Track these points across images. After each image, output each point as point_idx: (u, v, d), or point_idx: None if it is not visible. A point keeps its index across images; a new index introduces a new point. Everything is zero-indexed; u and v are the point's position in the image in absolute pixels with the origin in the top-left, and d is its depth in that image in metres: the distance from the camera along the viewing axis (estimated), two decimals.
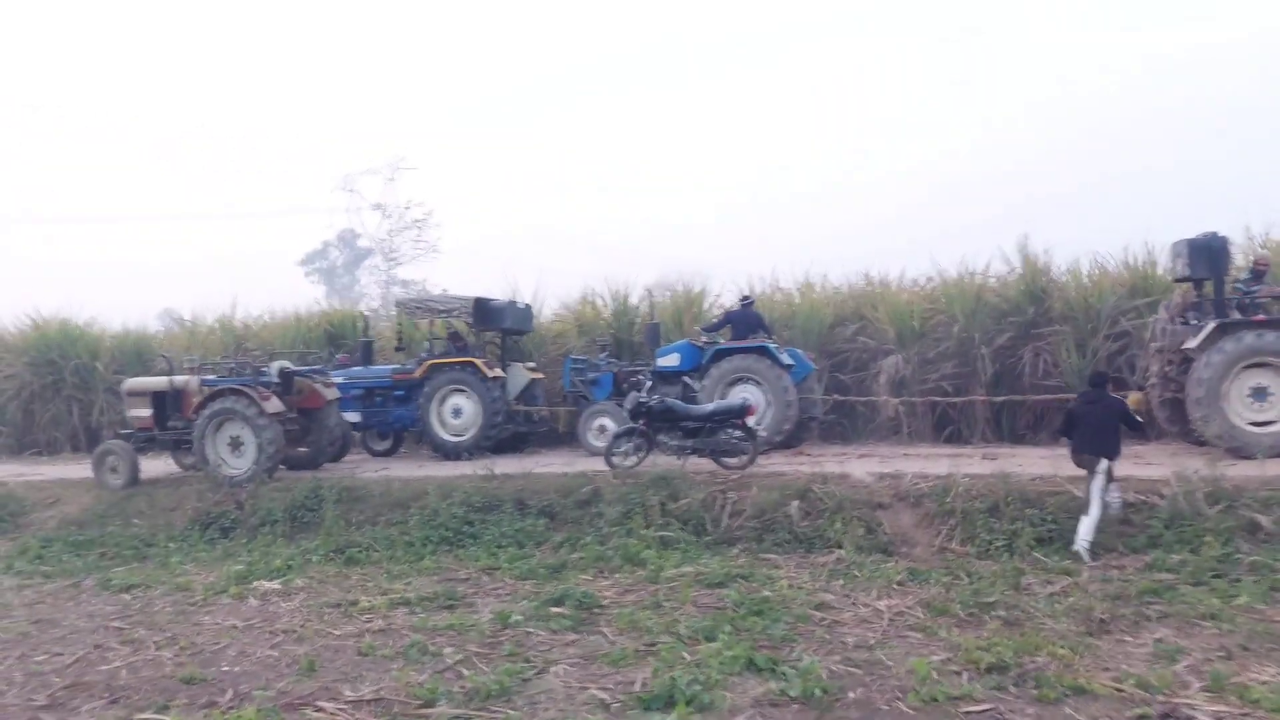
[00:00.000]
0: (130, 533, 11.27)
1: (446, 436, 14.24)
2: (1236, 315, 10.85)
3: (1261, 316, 10.70)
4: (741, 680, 5.60)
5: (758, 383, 13.07)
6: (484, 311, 14.81)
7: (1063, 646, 5.92)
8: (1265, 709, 4.86)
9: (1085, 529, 8.47)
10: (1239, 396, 10.56)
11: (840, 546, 9.09)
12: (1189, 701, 5.04)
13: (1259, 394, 10.56)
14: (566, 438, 15.63)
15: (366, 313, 21.03)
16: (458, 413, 14.23)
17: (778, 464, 11.64)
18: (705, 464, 11.19)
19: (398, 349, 15.59)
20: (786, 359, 13.35)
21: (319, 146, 71.55)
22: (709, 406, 11.60)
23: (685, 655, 6.04)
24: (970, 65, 68.24)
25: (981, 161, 64.73)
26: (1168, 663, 5.67)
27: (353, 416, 14.77)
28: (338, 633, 7.04)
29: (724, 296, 17.42)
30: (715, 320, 14.56)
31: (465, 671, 5.97)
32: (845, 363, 16.27)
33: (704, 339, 13.90)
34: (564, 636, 6.69)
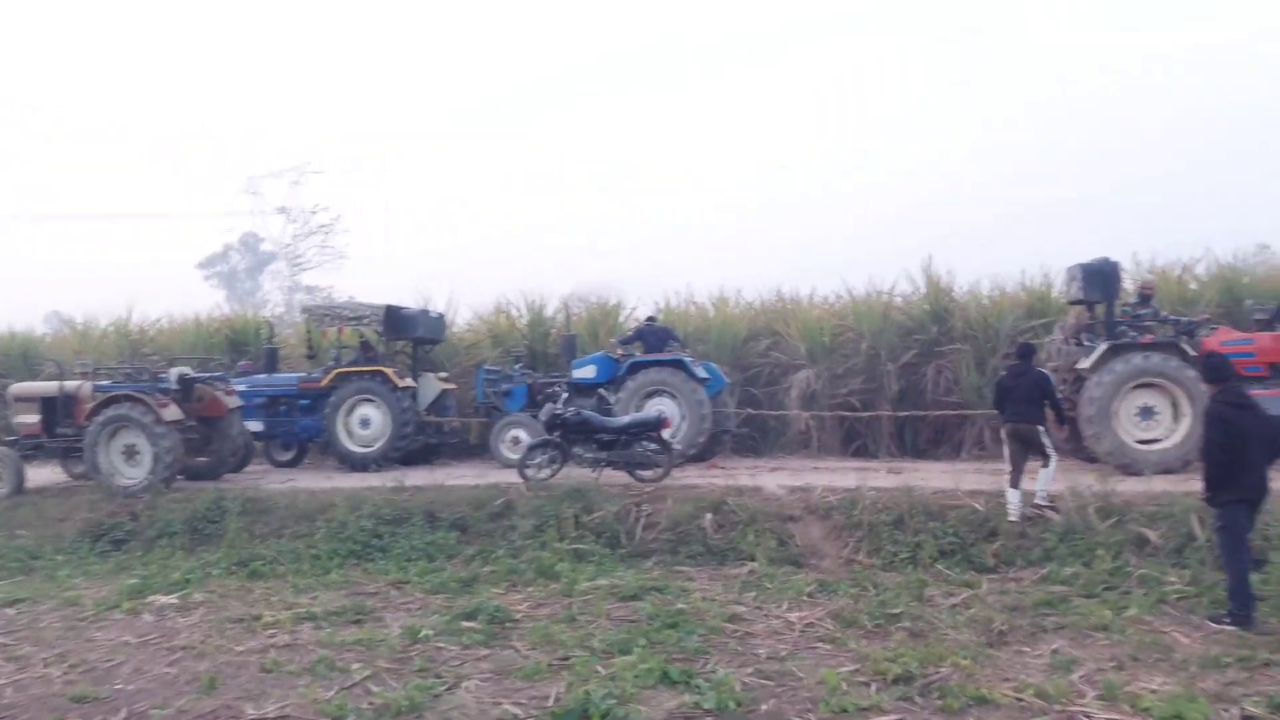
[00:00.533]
0: (15, 544, 10.70)
1: (354, 447, 13.94)
2: (1130, 336, 11.38)
3: (1149, 339, 11.26)
4: (656, 693, 5.61)
5: (673, 396, 13.15)
6: (395, 320, 14.57)
7: (965, 657, 6.10)
8: (1155, 716, 5.09)
9: (1044, 481, 9.20)
10: (1128, 415, 11.09)
11: (753, 559, 9.20)
12: (1085, 710, 5.24)
13: (1146, 413, 11.10)
14: (479, 449, 15.47)
15: (270, 319, 20.47)
16: (366, 423, 13.95)
17: (692, 477, 11.73)
18: (620, 477, 11.21)
19: (308, 356, 15.21)
20: (702, 373, 13.48)
21: (225, 149, 69.60)
22: (624, 419, 11.63)
23: (599, 669, 6.02)
24: (907, 104, 70.11)
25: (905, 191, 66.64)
26: (1064, 673, 5.89)
27: (255, 426, 14.35)
28: (240, 649, 6.81)
29: (640, 309, 17.54)
30: (629, 334, 14.60)
31: (374, 688, 5.83)
32: (758, 377, 16.51)
33: (620, 351, 13.94)
34: (476, 651, 6.60)
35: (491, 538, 9.98)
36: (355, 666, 6.27)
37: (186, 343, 18.19)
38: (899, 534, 9.34)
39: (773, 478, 11.77)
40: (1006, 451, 9.57)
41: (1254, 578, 7.69)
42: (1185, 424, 10.85)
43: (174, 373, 12.75)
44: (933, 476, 11.40)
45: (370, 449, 13.85)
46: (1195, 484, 8.89)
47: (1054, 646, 6.47)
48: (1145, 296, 12.26)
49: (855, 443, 15.59)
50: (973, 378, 14.85)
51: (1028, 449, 9.26)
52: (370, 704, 5.52)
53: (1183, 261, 15.41)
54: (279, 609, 7.86)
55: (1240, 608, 6.78)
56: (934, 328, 15.69)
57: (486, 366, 15.36)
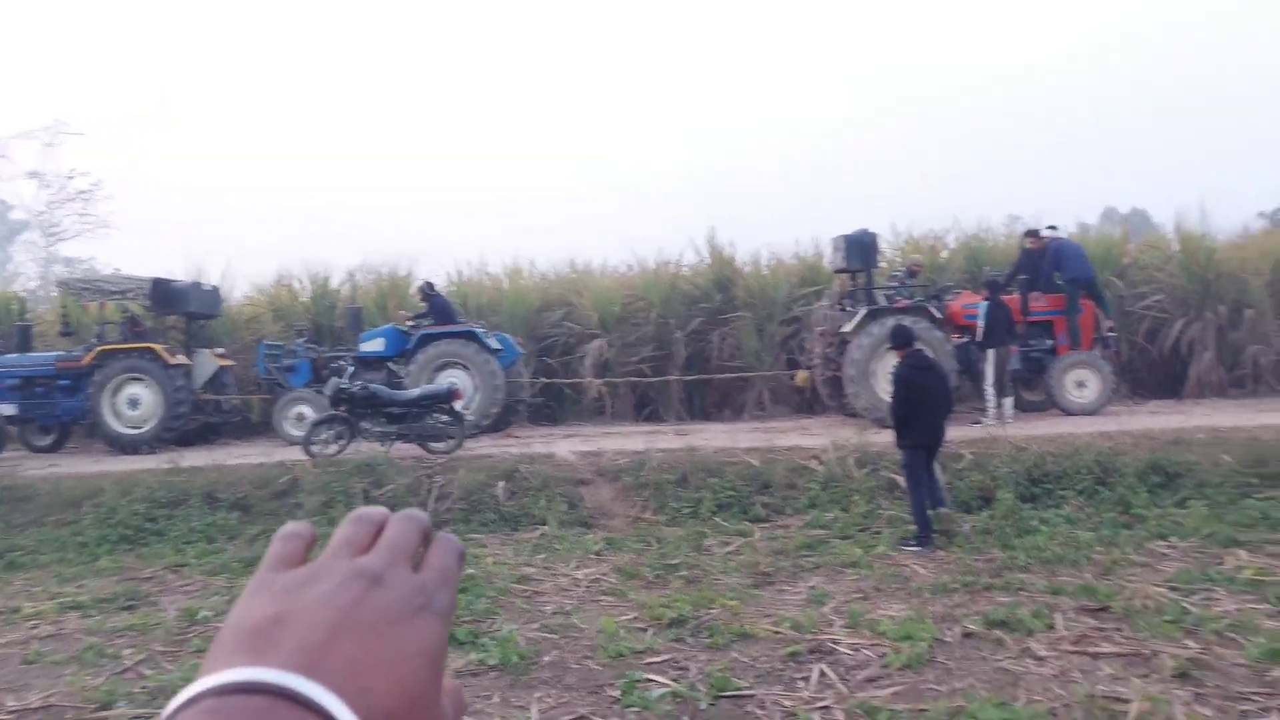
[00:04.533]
0: None
1: (123, 429, 13.12)
2: (888, 301, 12.46)
3: (903, 303, 12.36)
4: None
5: (465, 367, 13.17)
6: (164, 294, 13.76)
7: (732, 598, 6.64)
8: (890, 638, 5.74)
9: (990, 396, 11.19)
10: (885, 374, 12.11)
11: (544, 523, 9.48)
12: (832, 637, 5.84)
13: None
14: (262, 427, 14.90)
15: (23, 294, 18.76)
16: (135, 403, 13.14)
17: (486, 447, 11.86)
18: (412, 449, 11.18)
19: (64, 334, 14.09)
20: (494, 344, 13.56)
21: None
22: (415, 392, 11.56)
23: None
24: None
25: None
26: (817, 606, 6.52)
27: (8, 409, 13.22)
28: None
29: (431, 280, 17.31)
30: (422, 310, 14.33)
31: (148, 671, 5.67)
32: (552, 347, 16.78)
33: (409, 323, 13.79)
34: None
35: (277, 516, 9.73)
36: (127, 652, 6.05)
37: None
38: (682, 491, 9.89)
39: (566, 444, 12.09)
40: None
41: (983, 513, 8.78)
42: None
43: None
44: (715, 437, 12.08)
45: (141, 430, 13.07)
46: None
47: (811, 584, 7.13)
48: (913, 273, 13.65)
49: (647, 408, 16.19)
50: (753, 343, 15.73)
51: None
52: (144, 688, 5.37)
53: (935, 232, 16.92)
54: (42, 599, 7.40)
55: (921, 531, 7.99)
56: (718, 296, 16.46)
57: (267, 341, 14.77)
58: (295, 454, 11.19)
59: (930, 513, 8.06)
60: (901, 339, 8.39)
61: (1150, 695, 4.60)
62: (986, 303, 11.74)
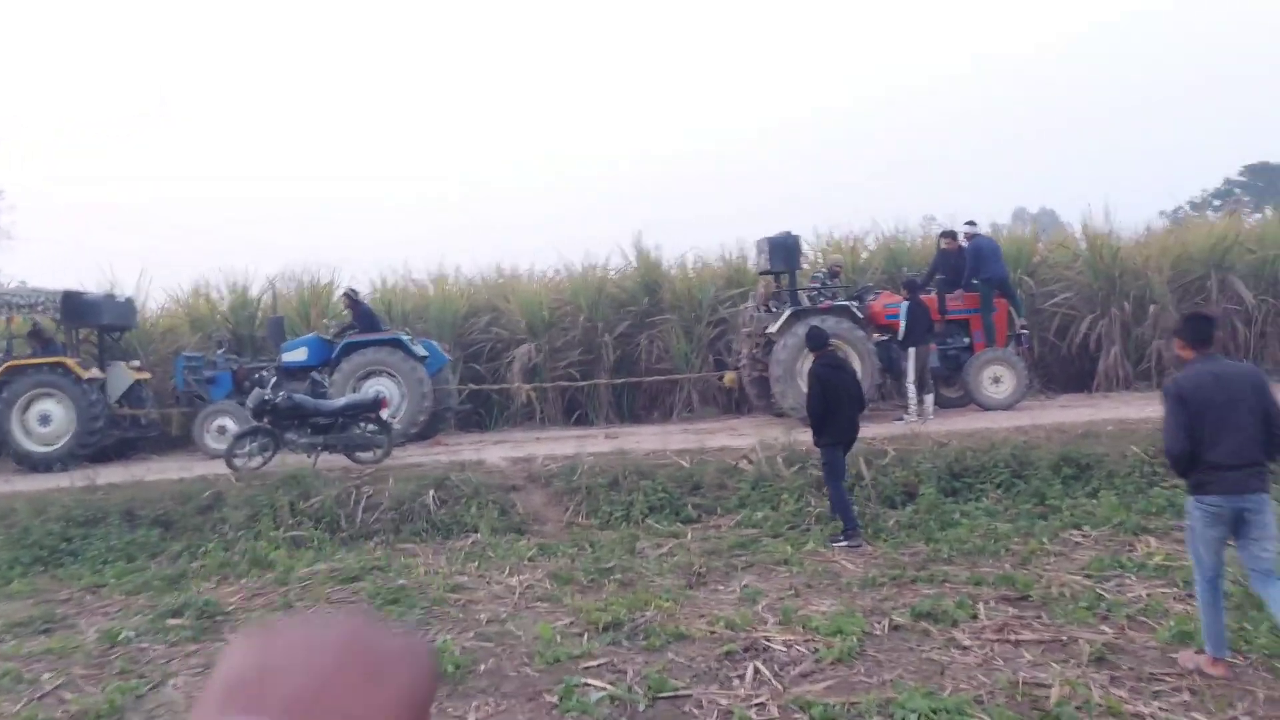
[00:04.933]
0: None
1: (34, 447, 12.63)
2: (811, 302, 12.70)
3: (826, 304, 12.61)
4: None
5: (391, 375, 13.01)
6: (75, 306, 13.28)
7: (667, 600, 6.71)
8: (821, 633, 5.88)
9: (911, 393, 11.62)
10: (805, 373, 12.36)
11: (476, 530, 9.43)
12: (766, 634, 5.96)
13: None
14: (181, 441, 14.48)
15: None
16: (46, 420, 12.67)
17: (414, 455, 11.74)
18: (339, 460, 11.01)
19: None
20: (420, 350, 13.42)
21: None
22: (340, 401, 11.37)
23: None
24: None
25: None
26: (750, 604, 6.64)
27: None
28: None
29: (355, 288, 17.04)
30: (347, 321, 14.05)
31: (68, 695, 5.50)
32: (480, 353, 16.67)
33: (333, 332, 13.56)
34: (184, 648, 6.35)
35: (200, 532, 9.50)
36: (46, 676, 5.85)
37: None
38: (614, 494, 9.92)
39: (496, 450, 12.03)
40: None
41: (908, 508, 9.03)
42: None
43: None
44: (646, 439, 12.16)
45: (54, 447, 12.61)
46: (866, 431, 10.18)
47: (744, 583, 7.24)
48: (834, 273, 13.99)
49: (576, 412, 16.20)
50: (681, 345, 15.87)
51: None
52: (65, 711, 5.21)
53: (855, 234, 17.30)
54: None
55: (848, 526, 8.24)
56: (645, 299, 16.56)
57: (186, 353, 14.37)
58: (218, 468, 10.92)
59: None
60: (817, 340, 8.73)
61: (1069, 680, 4.81)
62: (907, 303, 12.05)
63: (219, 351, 14.37)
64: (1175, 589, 6.30)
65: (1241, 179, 43.03)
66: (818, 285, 13.44)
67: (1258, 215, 20.02)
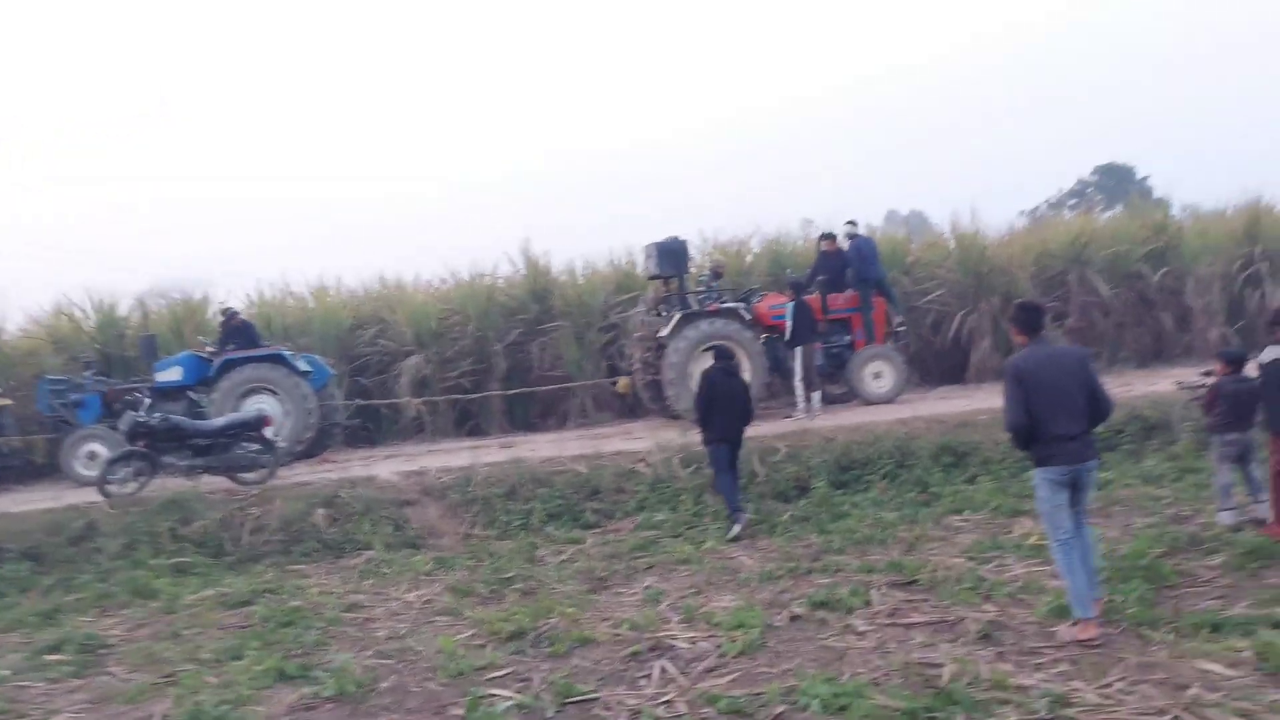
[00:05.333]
0: None
1: None
2: (700, 305, 12.89)
3: (715, 307, 12.83)
4: (274, 691, 5.55)
5: (274, 392, 12.60)
6: None
7: (570, 606, 6.72)
8: (724, 628, 5.98)
9: (799, 391, 11.93)
10: (698, 374, 12.52)
11: (370, 547, 9.23)
12: (670, 633, 6.03)
13: None
14: (48, 469, 13.69)
15: None
16: None
17: (302, 474, 11.40)
18: (222, 482, 10.60)
19: None
20: (304, 366, 13.05)
21: None
22: (221, 421, 10.95)
23: (210, 679, 5.80)
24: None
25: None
26: (653, 604, 6.71)
27: None
28: None
29: (230, 303, 16.44)
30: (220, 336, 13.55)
31: None
32: (367, 366, 16.32)
33: (209, 350, 13.06)
34: (66, 684, 6.02)
35: (74, 564, 8.99)
36: None
37: None
38: (511, 504, 9.87)
39: (387, 465, 11.80)
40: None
41: (801, 502, 9.28)
42: (747, 378, 12.48)
43: None
44: (541, 447, 12.13)
45: None
46: (758, 430, 10.42)
47: (646, 584, 7.31)
48: (718, 274, 14.29)
49: (469, 423, 16.01)
50: (573, 352, 15.87)
51: None
52: None
53: (739, 238, 17.63)
54: None
55: (731, 509, 8.74)
56: (535, 307, 16.50)
57: (49, 376, 13.59)
58: (90, 495, 10.37)
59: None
60: (721, 352, 9.72)
61: (959, 658, 5.04)
62: (792, 304, 12.36)
63: (86, 373, 13.64)
64: (1050, 567, 6.65)
65: (1093, 179, 45.69)
66: (704, 288, 13.65)
67: (1109, 213, 21.36)
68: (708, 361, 12.42)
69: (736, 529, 8.49)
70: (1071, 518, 5.36)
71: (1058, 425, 5.20)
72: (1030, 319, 5.51)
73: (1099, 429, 5.65)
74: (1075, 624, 5.27)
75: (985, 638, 5.41)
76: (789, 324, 12.32)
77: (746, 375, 12.40)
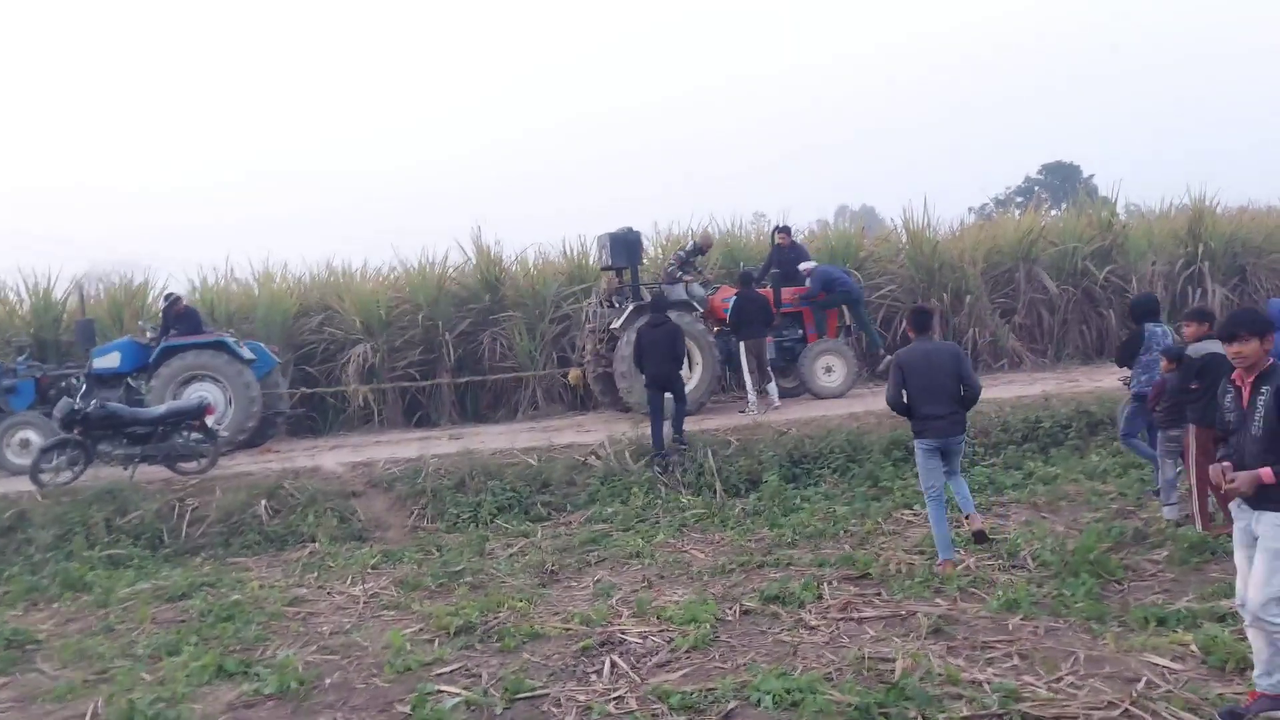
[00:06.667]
0: None
1: None
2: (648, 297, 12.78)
3: (678, 278, 12.74)
4: (213, 689, 5.37)
5: (216, 380, 12.26)
6: None
7: (520, 600, 6.62)
8: (675, 623, 5.92)
9: (748, 384, 11.98)
10: None
11: (314, 540, 9.04)
12: (621, 627, 5.95)
13: None
14: None
15: None
16: None
17: (244, 464, 11.13)
18: (160, 472, 10.30)
19: None
20: (247, 353, 12.71)
21: None
22: (160, 409, 10.63)
23: (145, 675, 5.61)
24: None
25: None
26: (604, 598, 6.63)
27: None
28: None
29: (172, 288, 15.97)
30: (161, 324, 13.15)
31: None
32: (312, 354, 15.96)
33: (149, 336, 12.68)
34: None
35: (3, 555, 8.71)
36: None
37: None
38: (461, 496, 9.73)
39: (333, 455, 11.58)
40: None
41: (753, 495, 9.25)
42: (699, 371, 12.45)
43: None
44: (492, 439, 11.97)
45: None
46: (709, 424, 10.37)
47: (597, 578, 7.24)
48: (701, 249, 14.04)
49: (418, 413, 15.75)
50: (525, 343, 15.68)
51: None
52: None
53: (693, 231, 17.52)
54: None
55: (656, 447, 10.07)
56: (487, 296, 16.27)
57: None
58: (21, 484, 10.01)
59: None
60: (657, 304, 10.99)
61: (911, 652, 5.04)
62: (735, 296, 12.27)
63: (19, 358, 13.15)
64: (1000, 560, 6.72)
65: (1040, 177, 46.51)
66: (679, 260, 13.36)
67: (1055, 211, 21.70)
68: None
69: (655, 470, 9.84)
70: (942, 478, 6.79)
71: (928, 406, 6.62)
72: (920, 320, 7.01)
73: (971, 409, 7.06)
74: (942, 564, 6.53)
75: (937, 632, 5.42)
76: (730, 316, 12.24)
77: (699, 368, 12.40)
